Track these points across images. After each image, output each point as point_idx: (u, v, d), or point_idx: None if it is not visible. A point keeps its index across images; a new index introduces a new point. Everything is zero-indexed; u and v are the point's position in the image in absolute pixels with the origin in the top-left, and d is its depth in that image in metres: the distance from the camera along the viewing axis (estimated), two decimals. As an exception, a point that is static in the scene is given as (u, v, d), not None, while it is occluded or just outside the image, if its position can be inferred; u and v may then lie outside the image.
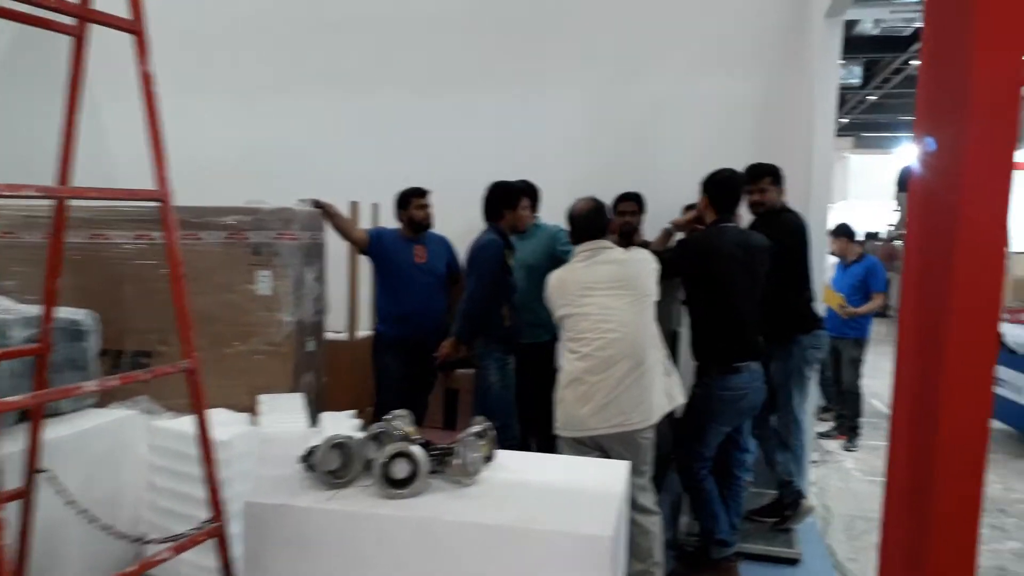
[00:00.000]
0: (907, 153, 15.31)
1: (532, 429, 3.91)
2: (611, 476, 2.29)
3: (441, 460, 2.20)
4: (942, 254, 1.89)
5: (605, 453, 2.99)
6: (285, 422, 2.88)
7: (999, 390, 6.38)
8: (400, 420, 2.40)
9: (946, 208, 1.85)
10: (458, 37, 4.96)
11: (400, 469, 2.08)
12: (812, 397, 4.28)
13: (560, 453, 3.04)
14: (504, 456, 2.42)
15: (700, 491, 3.45)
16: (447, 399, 4.24)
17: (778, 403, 3.88)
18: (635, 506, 2.98)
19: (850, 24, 14.74)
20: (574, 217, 3.22)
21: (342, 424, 2.90)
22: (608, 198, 3.69)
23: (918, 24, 12.82)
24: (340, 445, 2.17)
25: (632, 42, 4.80)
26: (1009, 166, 1.80)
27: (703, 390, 3.37)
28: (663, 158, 4.65)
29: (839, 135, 27.62)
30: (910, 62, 16.22)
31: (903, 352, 2.10)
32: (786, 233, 3.76)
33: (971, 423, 1.95)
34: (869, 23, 13.87)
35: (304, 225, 3.63)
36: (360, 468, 2.18)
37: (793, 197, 4.06)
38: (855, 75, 17.79)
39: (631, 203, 4.19)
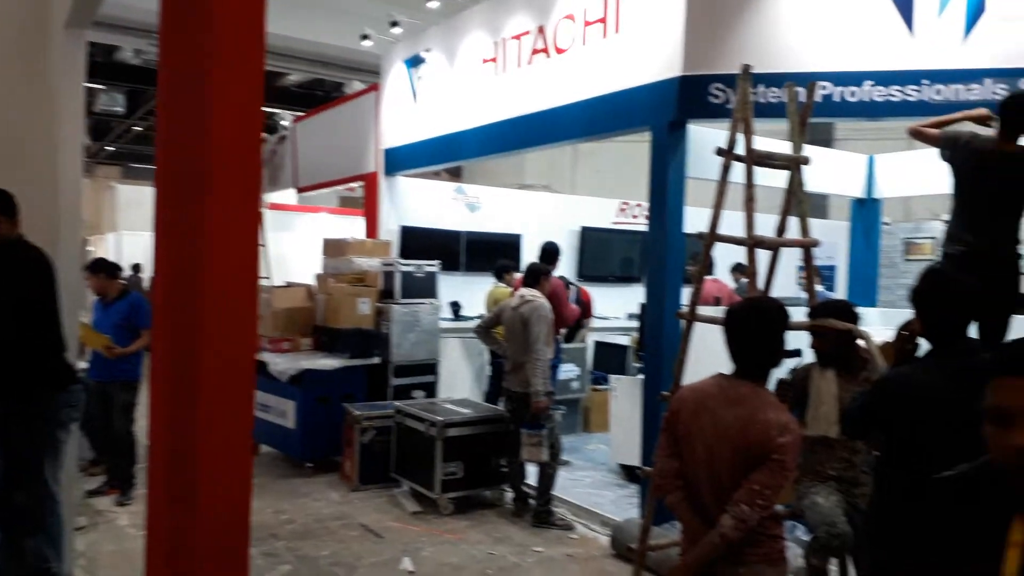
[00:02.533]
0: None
1: None
2: None
3: None
4: (192, 292, 1.71)
5: None
6: None
7: (264, 415, 6.79)
8: None
9: (193, 246, 1.67)
10: None
11: None
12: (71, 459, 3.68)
13: None
14: None
15: None
16: None
17: (25, 477, 3.18)
18: None
19: (111, 50, 14.25)
20: None
21: None
22: None
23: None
24: None
25: None
26: (254, 208, 1.71)
27: None
28: None
29: (105, 163, 26.55)
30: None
31: (157, 391, 1.87)
32: (22, 271, 3.11)
33: (231, 454, 1.81)
34: (130, 52, 13.61)
35: None
36: None
37: (38, 229, 3.42)
38: (119, 103, 17.26)
39: None
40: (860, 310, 6.59)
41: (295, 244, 10.97)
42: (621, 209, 9.69)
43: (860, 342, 3.37)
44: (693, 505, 2.52)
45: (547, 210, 9.27)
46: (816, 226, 10.26)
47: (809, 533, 3.31)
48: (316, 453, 6.35)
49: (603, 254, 9.47)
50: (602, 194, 10.11)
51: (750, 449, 2.36)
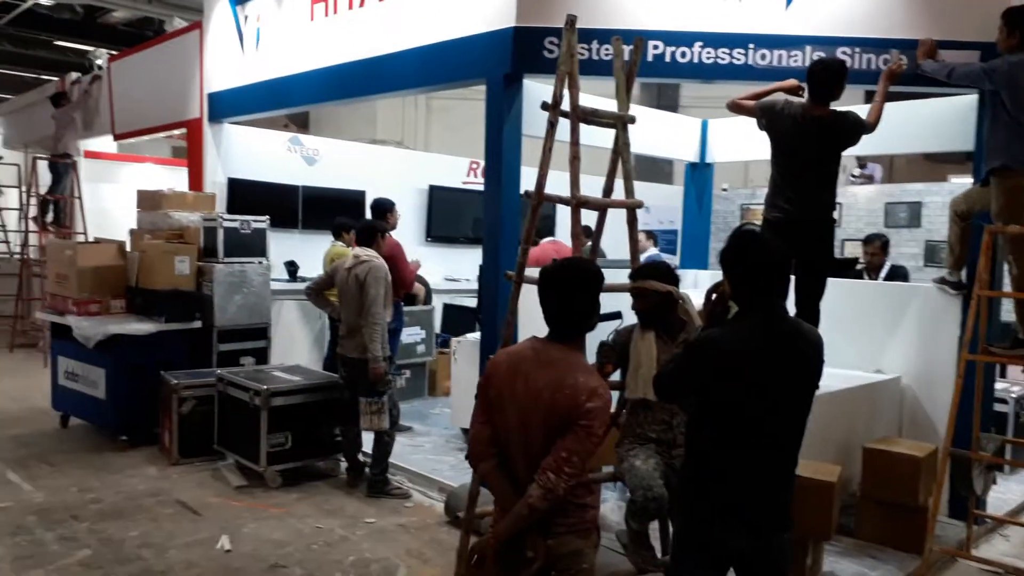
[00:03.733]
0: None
1: None
2: None
3: None
4: None
5: None
6: None
7: (71, 384, 6.17)
8: None
9: None
10: None
11: None
12: None
13: None
14: None
15: None
16: None
17: None
18: None
19: None
20: None
21: None
22: None
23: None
24: None
25: None
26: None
27: None
28: None
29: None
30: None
31: None
32: None
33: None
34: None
35: None
36: None
37: None
38: None
39: None
40: (692, 273, 6.88)
41: (118, 198, 10.02)
42: (471, 169, 9.46)
43: (681, 304, 3.36)
44: (508, 473, 2.41)
45: (393, 166, 8.90)
46: (658, 191, 10.61)
47: (629, 496, 3.31)
48: (131, 425, 5.82)
49: (453, 215, 9.23)
50: (455, 153, 9.83)
51: (558, 414, 2.27)
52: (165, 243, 6.17)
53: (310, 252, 7.42)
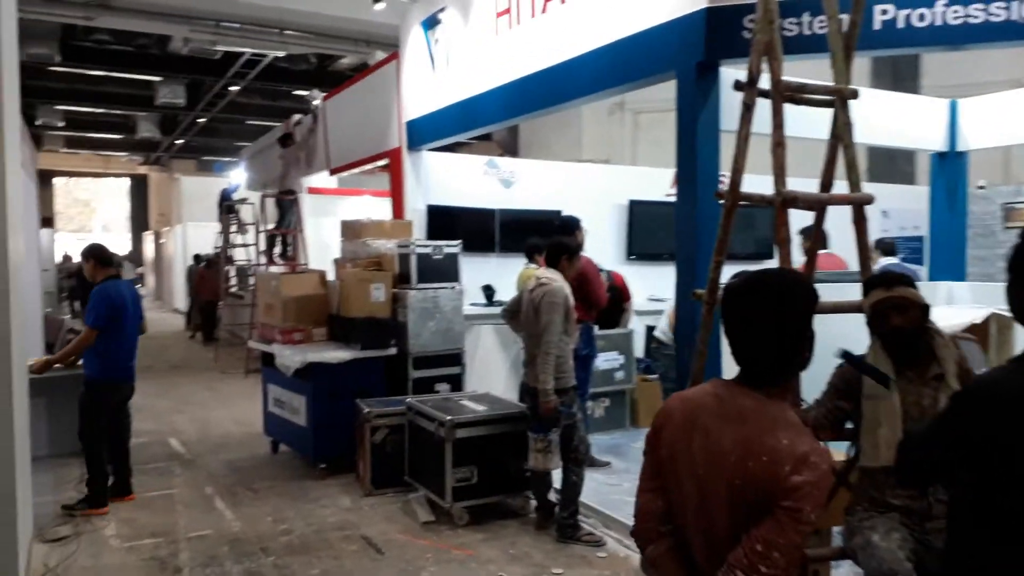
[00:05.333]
0: (232, 174, 15.40)
1: None
2: None
3: None
4: None
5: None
6: None
7: (279, 411, 6.35)
8: None
9: None
10: None
11: None
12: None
13: None
14: None
15: None
16: None
17: None
18: None
19: (165, 41, 14.18)
20: None
21: None
22: None
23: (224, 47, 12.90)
24: None
25: None
26: None
27: None
28: None
29: (179, 156, 27.06)
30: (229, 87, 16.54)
31: None
32: None
33: None
34: (180, 42, 13.46)
35: None
36: None
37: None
38: (179, 95, 17.33)
39: None
40: (945, 285, 5.72)
41: (336, 230, 10.54)
42: (676, 181, 8.80)
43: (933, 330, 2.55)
44: (684, 559, 1.82)
45: (591, 183, 8.49)
46: (896, 193, 9.20)
47: (863, 579, 2.53)
48: (330, 453, 5.85)
49: (655, 230, 8.60)
50: (663, 167, 9.23)
51: (751, 489, 1.64)
52: (361, 271, 6.20)
53: (507, 275, 7.18)
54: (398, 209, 7.58)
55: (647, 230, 8.59)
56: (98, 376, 5.04)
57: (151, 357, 12.85)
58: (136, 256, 31.58)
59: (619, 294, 6.67)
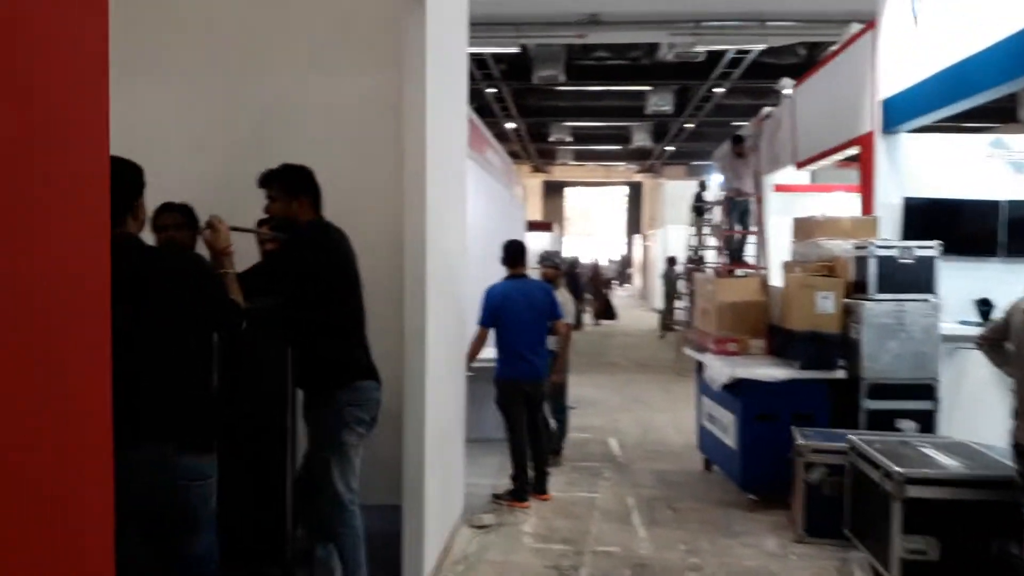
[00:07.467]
0: (711, 178, 15.33)
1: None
2: None
3: None
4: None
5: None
6: None
7: (711, 427, 5.83)
8: None
9: None
10: None
11: None
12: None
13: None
14: None
15: None
16: None
17: (313, 481, 2.98)
18: None
19: (654, 49, 14.72)
20: None
21: None
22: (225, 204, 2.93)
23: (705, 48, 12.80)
24: None
25: (252, 33, 4.09)
26: None
27: None
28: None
29: (669, 163, 28.25)
30: (714, 89, 16.49)
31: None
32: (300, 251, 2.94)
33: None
34: (666, 48, 13.80)
35: None
36: None
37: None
38: (668, 102, 17.94)
39: (174, 215, 3.22)
40: None
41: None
42: None
43: None
44: None
45: None
46: None
47: None
48: (760, 482, 5.13)
49: None
50: None
51: None
52: (807, 276, 5.31)
53: (1013, 286, 5.49)
54: (867, 204, 6.41)
55: None
56: (496, 374, 5.18)
57: (619, 354, 13.48)
58: (627, 259, 34.05)
59: None
